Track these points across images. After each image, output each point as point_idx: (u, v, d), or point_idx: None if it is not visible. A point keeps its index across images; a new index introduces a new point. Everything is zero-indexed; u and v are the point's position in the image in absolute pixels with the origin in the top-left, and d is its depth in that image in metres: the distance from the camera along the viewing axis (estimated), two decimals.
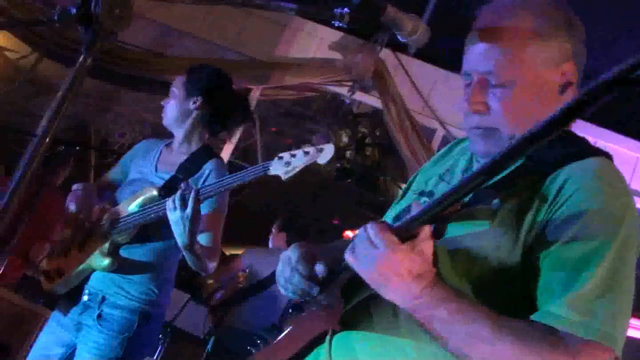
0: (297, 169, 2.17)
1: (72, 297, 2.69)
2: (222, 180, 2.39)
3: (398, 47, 4.63)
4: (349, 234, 8.60)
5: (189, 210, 2.33)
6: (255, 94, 4.88)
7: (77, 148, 4.55)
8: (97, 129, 6.37)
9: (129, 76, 4.69)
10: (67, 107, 1.26)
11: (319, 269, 1.47)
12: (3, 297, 4.07)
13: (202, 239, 2.56)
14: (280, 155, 2.22)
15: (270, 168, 2.22)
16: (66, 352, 2.67)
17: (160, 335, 5.17)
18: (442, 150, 1.74)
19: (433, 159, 1.74)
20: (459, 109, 1.50)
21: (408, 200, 1.64)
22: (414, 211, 1.26)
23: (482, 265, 1.32)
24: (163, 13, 4.78)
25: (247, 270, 5.08)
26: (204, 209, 2.47)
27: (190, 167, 2.71)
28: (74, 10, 1.23)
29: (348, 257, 1.28)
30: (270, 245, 5.32)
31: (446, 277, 1.31)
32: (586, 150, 1.39)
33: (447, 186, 1.51)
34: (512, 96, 1.38)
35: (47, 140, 1.19)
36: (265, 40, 4.94)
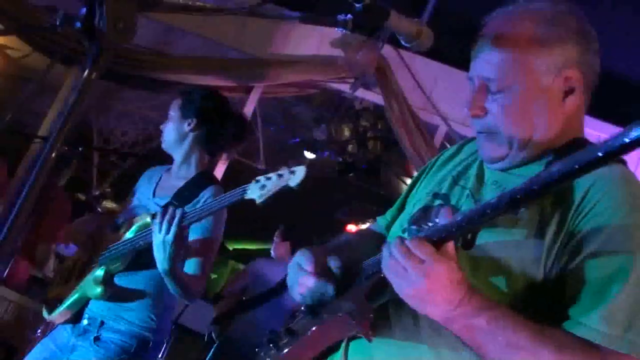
0: (271, 192, 2.20)
1: (74, 317, 2.69)
2: (203, 206, 2.39)
3: (400, 44, 4.60)
4: (351, 227, 8.59)
5: (170, 235, 2.34)
6: (256, 92, 4.88)
7: (80, 149, 4.56)
8: (99, 127, 6.36)
9: (131, 75, 4.68)
10: (73, 121, 1.27)
11: (333, 263, 1.49)
12: (9, 299, 4.08)
13: (189, 264, 2.56)
14: (258, 178, 2.25)
15: (248, 192, 2.25)
16: None
17: None
18: (450, 151, 1.74)
19: (441, 159, 1.74)
20: (468, 115, 1.52)
21: (420, 201, 1.63)
22: (443, 219, 1.27)
23: (505, 274, 1.33)
24: (164, 12, 4.76)
25: (249, 285, 5.10)
26: (195, 233, 2.50)
27: (187, 193, 2.70)
28: (78, 24, 1.23)
29: (388, 277, 1.28)
30: (272, 254, 5.31)
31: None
32: None
33: (462, 191, 1.54)
34: (511, 101, 1.41)
35: (53, 155, 1.19)
36: (267, 38, 4.93)
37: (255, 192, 2.23)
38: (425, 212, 1.55)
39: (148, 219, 2.58)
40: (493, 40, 1.43)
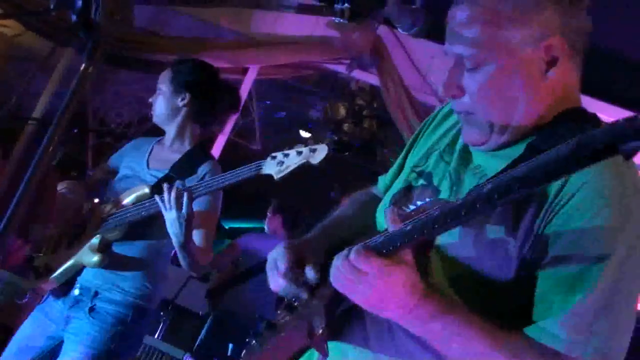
0: (290, 169, 2.21)
1: (62, 289, 2.70)
2: (214, 179, 2.40)
3: None
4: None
5: (184, 210, 2.36)
6: (252, 73, 4.85)
7: (76, 130, 4.56)
8: (95, 108, 6.34)
9: (126, 56, 4.66)
10: (71, 112, 1.27)
11: (310, 275, 1.44)
12: (3, 280, 4.08)
13: (194, 236, 2.56)
14: (274, 154, 2.25)
15: (263, 167, 2.25)
16: (51, 345, 2.67)
17: (162, 313, 5.24)
18: (445, 109, 1.64)
19: (440, 115, 1.64)
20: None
21: (406, 176, 1.56)
22: (391, 226, 1.20)
23: (475, 273, 1.27)
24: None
25: (241, 258, 5.13)
26: (195, 206, 2.48)
27: (184, 166, 2.70)
28: (74, 17, 1.22)
29: (338, 289, 1.23)
30: (266, 228, 5.36)
31: (438, 284, 1.28)
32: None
33: (445, 168, 1.44)
34: (487, 80, 1.29)
35: (51, 148, 1.19)
36: (262, 18, 4.89)
37: (271, 168, 2.23)
38: (408, 192, 1.50)
39: (147, 190, 2.60)
40: (463, 12, 1.30)
